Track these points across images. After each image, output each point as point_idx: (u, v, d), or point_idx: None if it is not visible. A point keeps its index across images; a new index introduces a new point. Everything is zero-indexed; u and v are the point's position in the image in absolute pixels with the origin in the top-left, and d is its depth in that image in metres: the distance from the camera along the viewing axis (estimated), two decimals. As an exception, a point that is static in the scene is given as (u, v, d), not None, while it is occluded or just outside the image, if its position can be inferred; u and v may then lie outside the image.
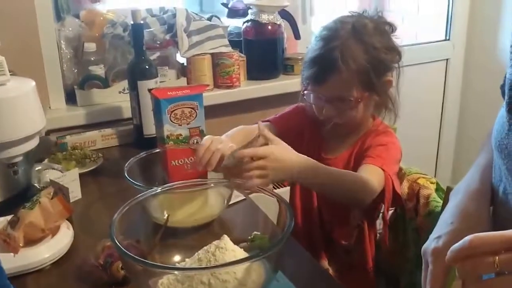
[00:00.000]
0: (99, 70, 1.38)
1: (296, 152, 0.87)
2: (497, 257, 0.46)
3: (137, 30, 1.22)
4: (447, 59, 2.06)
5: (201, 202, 0.89)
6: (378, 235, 1.10)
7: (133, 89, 1.23)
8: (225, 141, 0.90)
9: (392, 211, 1.09)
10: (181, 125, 1.03)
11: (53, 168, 1.06)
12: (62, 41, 1.35)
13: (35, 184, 1.02)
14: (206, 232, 0.83)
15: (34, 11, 1.27)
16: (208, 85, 1.44)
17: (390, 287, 1.10)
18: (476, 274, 0.47)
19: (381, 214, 1.05)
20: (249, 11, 1.54)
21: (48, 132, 1.26)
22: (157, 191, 0.81)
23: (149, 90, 1.12)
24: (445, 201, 0.91)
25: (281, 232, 0.68)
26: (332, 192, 0.92)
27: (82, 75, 1.38)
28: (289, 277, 0.74)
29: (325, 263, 1.07)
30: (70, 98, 1.38)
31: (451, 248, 0.48)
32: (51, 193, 0.85)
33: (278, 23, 1.53)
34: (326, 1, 1.90)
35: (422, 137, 2.08)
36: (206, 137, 0.90)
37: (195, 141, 1.05)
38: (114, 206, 0.73)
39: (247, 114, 1.56)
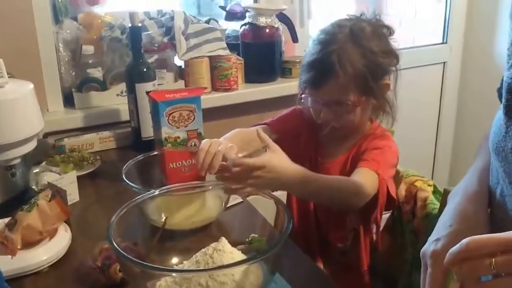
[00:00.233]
0: (97, 72, 1.38)
1: (291, 162, 0.87)
2: (493, 259, 0.46)
3: (135, 32, 1.22)
4: (444, 62, 2.07)
5: (199, 205, 0.89)
6: (374, 237, 1.10)
7: (131, 91, 1.23)
8: (224, 143, 0.90)
9: (389, 214, 1.09)
10: (179, 127, 1.04)
11: (51, 171, 1.06)
12: (60, 44, 1.35)
13: (33, 187, 1.02)
14: (204, 234, 0.83)
15: (32, 13, 1.27)
16: (206, 88, 1.44)
17: (387, 289, 1.10)
18: (474, 276, 0.47)
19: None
20: (247, 14, 1.55)
21: (46, 135, 1.26)
22: (155, 193, 0.81)
23: (147, 93, 1.12)
24: (443, 204, 0.91)
25: (279, 234, 0.68)
26: (324, 199, 0.93)
27: (80, 77, 1.38)
28: (286, 279, 0.74)
29: (320, 266, 1.07)
30: (68, 101, 1.38)
31: (449, 251, 0.49)
32: (49, 196, 0.85)
33: (276, 26, 1.53)
34: (324, 5, 1.91)
35: (420, 140, 2.08)
36: (204, 140, 0.89)
37: (193, 143, 1.05)
38: (112, 209, 0.73)
39: (245, 117, 1.56)
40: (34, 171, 1.05)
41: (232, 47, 1.53)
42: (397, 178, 1.06)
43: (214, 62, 1.47)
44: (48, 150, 1.22)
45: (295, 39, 1.65)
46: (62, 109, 1.37)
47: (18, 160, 0.92)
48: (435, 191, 1.02)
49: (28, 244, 0.79)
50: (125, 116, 1.33)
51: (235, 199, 0.94)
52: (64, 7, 1.38)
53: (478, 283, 0.47)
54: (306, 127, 1.07)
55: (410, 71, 1.89)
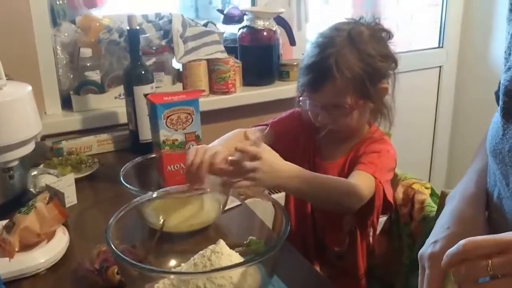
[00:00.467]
0: (95, 75, 1.38)
1: (285, 161, 0.87)
2: (490, 261, 0.46)
3: (133, 35, 1.22)
4: (440, 66, 2.08)
5: (197, 207, 0.89)
6: (371, 241, 1.10)
7: (129, 94, 1.23)
8: (209, 149, 0.86)
9: (386, 216, 1.10)
10: (177, 130, 1.04)
11: (49, 173, 1.06)
12: (58, 47, 1.35)
13: (31, 189, 1.01)
14: (202, 237, 0.83)
15: (30, 16, 1.27)
16: (204, 91, 1.44)
17: (385, 292, 1.11)
18: (471, 277, 0.48)
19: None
20: (245, 17, 1.55)
21: (44, 137, 1.25)
22: (153, 196, 0.81)
23: (145, 96, 1.12)
24: (440, 206, 0.92)
25: (277, 237, 0.68)
26: (320, 198, 0.92)
27: (78, 80, 1.38)
28: (284, 281, 0.74)
29: (317, 269, 1.07)
30: (66, 104, 1.38)
31: (446, 253, 0.49)
32: (47, 198, 0.85)
33: (274, 29, 1.54)
34: (321, 8, 1.92)
35: (417, 143, 2.09)
36: (190, 150, 0.86)
37: (191, 146, 1.05)
38: (109, 211, 0.73)
39: (243, 119, 1.57)
40: (32, 173, 1.05)
41: (230, 50, 1.54)
42: (395, 180, 1.06)
43: (212, 65, 1.47)
44: (46, 152, 1.22)
45: (292, 42, 1.65)
46: (60, 111, 1.37)
47: (16, 163, 0.92)
48: (433, 194, 1.03)
49: (26, 246, 0.78)
50: (123, 118, 1.33)
51: (233, 202, 0.94)
52: (62, 10, 1.38)
53: (476, 285, 0.48)
54: (305, 129, 1.07)
55: (407, 75, 1.89)
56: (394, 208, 1.07)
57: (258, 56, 1.56)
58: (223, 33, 1.57)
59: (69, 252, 0.82)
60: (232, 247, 0.72)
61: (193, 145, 1.05)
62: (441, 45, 2.07)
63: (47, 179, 1.02)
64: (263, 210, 0.87)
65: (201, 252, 0.70)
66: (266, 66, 1.58)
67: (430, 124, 2.16)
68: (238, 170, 0.82)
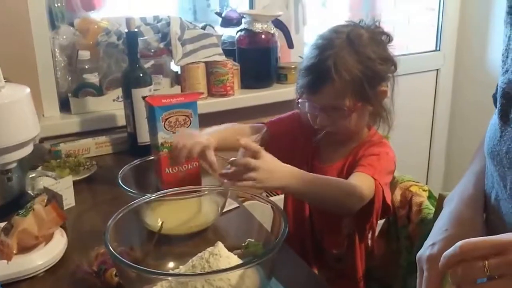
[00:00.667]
0: (93, 78, 1.38)
1: (282, 163, 0.87)
2: (487, 262, 0.47)
3: (131, 38, 1.22)
4: (437, 69, 2.09)
5: (195, 210, 0.89)
6: (369, 243, 1.10)
7: (127, 97, 1.23)
8: (195, 136, 0.92)
9: (385, 219, 1.10)
10: (175, 132, 1.04)
11: (47, 176, 1.06)
12: (56, 49, 1.35)
13: (29, 191, 1.01)
14: (200, 239, 0.84)
15: (28, 19, 1.27)
16: (202, 93, 1.44)
17: (383, 294, 1.11)
18: (469, 278, 0.48)
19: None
20: (243, 20, 1.56)
21: (42, 140, 1.25)
22: (151, 198, 0.81)
23: (143, 98, 1.12)
24: (437, 209, 0.92)
25: (275, 239, 0.68)
26: (320, 199, 0.92)
27: (76, 83, 1.38)
28: (283, 284, 0.74)
29: (315, 272, 1.07)
30: (64, 106, 1.38)
31: (443, 255, 0.49)
32: (45, 200, 0.85)
33: (272, 32, 1.54)
34: (319, 12, 1.93)
35: (414, 145, 2.10)
36: (179, 132, 0.93)
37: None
38: (108, 214, 0.73)
39: (241, 122, 1.57)
40: (30, 175, 1.05)
41: (228, 53, 1.54)
42: (393, 183, 1.07)
43: (210, 67, 1.48)
44: (44, 155, 1.22)
45: (290, 45, 1.66)
46: (58, 114, 1.37)
47: (14, 165, 0.92)
48: (430, 196, 1.03)
49: (24, 248, 0.78)
50: (121, 121, 1.33)
51: (231, 204, 0.94)
52: (60, 13, 1.38)
53: (473, 286, 0.48)
54: (304, 132, 1.07)
55: (404, 78, 1.90)
56: (392, 211, 1.08)
57: (256, 59, 1.56)
58: (221, 35, 1.57)
59: (67, 254, 0.82)
60: (230, 249, 0.72)
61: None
62: (438, 48, 2.08)
63: (45, 182, 1.02)
64: (262, 212, 0.87)
65: (199, 254, 0.70)
66: (264, 69, 1.58)
67: (428, 127, 2.17)
68: (238, 169, 0.82)
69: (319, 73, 0.94)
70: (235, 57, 1.57)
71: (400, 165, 1.08)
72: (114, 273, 0.71)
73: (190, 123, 1.04)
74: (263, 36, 1.53)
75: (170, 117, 1.02)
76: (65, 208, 0.96)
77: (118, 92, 1.36)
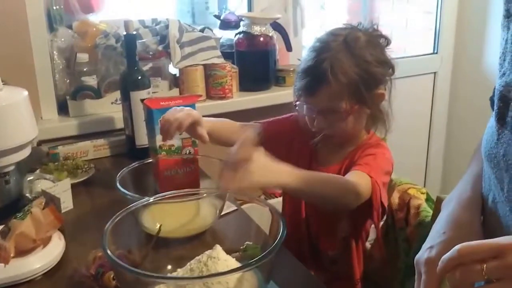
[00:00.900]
0: (91, 80, 1.38)
1: (278, 162, 0.85)
2: (484, 265, 0.47)
3: (129, 40, 1.22)
4: (435, 72, 2.10)
5: (193, 212, 0.89)
6: (368, 246, 1.10)
7: (126, 99, 1.23)
8: (185, 110, 0.95)
9: (383, 221, 1.10)
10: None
11: (45, 178, 1.06)
12: (54, 52, 1.35)
13: (27, 194, 1.01)
14: (198, 242, 0.83)
15: (26, 21, 1.27)
16: (200, 96, 1.45)
17: (381, 297, 1.11)
18: (467, 282, 0.48)
19: (372, 223, 1.06)
20: (241, 23, 1.56)
21: (40, 143, 1.25)
22: (149, 201, 0.81)
23: (142, 101, 1.12)
24: (435, 211, 0.92)
25: (273, 242, 0.68)
26: (319, 196, 0.90)
27: (74, 85, 1.38)
28: (281, 286, 0.74)
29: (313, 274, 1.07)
30: (62, 109, 1.38)
31: (441, 259, 0.49)
32: (43, 203, 0.84)
33: (270, 35, 1.55)
34: (317, 14, 1.93)
35: (412, 148, 2.10)
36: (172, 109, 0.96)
37: (188, 151, 1.05)
38: (106, 217, 0.72)
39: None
40: (28, 178, 1.05)
41: (226, 55, 1.55)
42: (390, 186, 1.07)
43: (209, 70, 1.48)
44: (42, 157, 1.21)
45: (289, 47, 1.66)
46: (56, 117, 1.37)
47: (12, 168, 0.92)
48: (428, 199, 1.03)
49: (22, 252, 0.78)
50: (119, 124, 1.33)
51: (229, 207, 0.94)
52: (59, 15, 1.38)
53: None
54: (300, 134, 1.07)
55: (402, 81, 1.90)
56: (390, 213, 1.08)
57: (254, 62, 1.56)
58: (220, 38, 1.57)
59: (65, 257, 0.82)
60: (228, 252, 0.72)
61: (189, 151, 1.05)
62: (435, 51, 2.09)
63: (43, 184, 1.01)
64: (260, 215, 0.87)
65: (197, 257, 0.70)
66: (263, 72, 1.58)
67: (425, 129, 2.17)
68: (233, 167, 0.79)
69: (316, 76, 0.94)
70: (233, 60, 1.58)
71: (398, 168, 1.08)
72: (112, 276, 0.71)
73: (188, 126, 1.04)
74: (261, 39, 1.53)
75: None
76: (63, 211, 0.95)
77: (117, 94, 1.36)
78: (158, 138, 1.03)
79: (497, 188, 0.64)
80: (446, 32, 2.05)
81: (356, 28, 0.99)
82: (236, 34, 1.57)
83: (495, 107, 0.64)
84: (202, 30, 1.54)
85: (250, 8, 1.70)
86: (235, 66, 1.56)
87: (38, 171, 1.12)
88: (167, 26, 1.44)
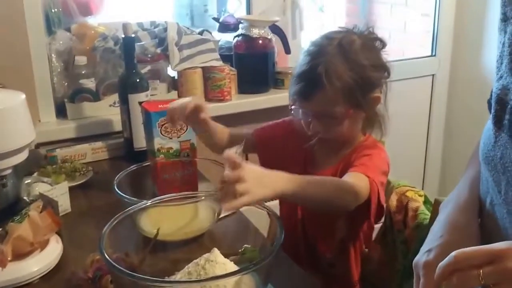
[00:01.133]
0: (89, 83, 1.38)
1: (270, 170, 0.83)
2: (481, 271, 0.47)
3: (128, 43, 1.22)
4: (433, 75, 2.10)
5: (191, 216, 0.89)
6: (364, 248, 1.10)
7: (124, 102, 1.23)
8: (189, 98, 0.99)
9: (381, 224, 1.10)
10: (171, 138, 1.04)
11: (43, 181, 1.05)
12: (52, 54, 1.35)
13: (25, 198, 1.01)
14: (196, 245, 0.83)
15: (25, 24, 1.27)
16: (199, 99, 1.44)
17: (379, 299, 1.11)
18: (463, 287, 0.48)
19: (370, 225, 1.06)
20: (240, 25, 1.56)
21: (38, 145, 1.25)
22: (147, 204, 0.81)
23: (140, 103, 1.12)
24: (433, 214, 0.92)
25: (271, 245, 0.68)
26: (317, 200, 0.89)
27: (72, 88, 1.38)
28: (279, 290, 0.74)
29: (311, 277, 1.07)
30: (61, 111, 1.38)
31: (438, 265, 0.50)
32: (40, 207, 0.84)
33: (269, 37, 1.55)
34: (316, 17, 1.93)
35: (410, 151, 2.10)
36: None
37: (186, 154, 1.05)
38: (103, 220, 0.73)
39: (238, 127, 1.57)
40: (26, 181, 1.05)
41: (225, 58, 1.55)
42: (388, 188, 1.07)
43: (207, 73, 1.48)
44: (40, 160, 1.21)
45: (287, 50, 1.66)
46: (54, 119, 1.36)
47: (10, 171, 0.92)
48: (426, 201, 1.03)
49: (19, 255, 0.78)
50: (117, 126, 1.33)
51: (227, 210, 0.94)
52: (57, 18, 1.38)
53: None
54: (294, 138, 1.07)
55: (400, 83, 1.91)
56: (388, 215, 1.08)
57: (253, 64, 1.57)
58: (219, 41, 1.57)
59: (63, 261, 0.82)
60: (226, 255, 0.72)
61: (187, 154, 1.05)
62: (433, 54, 2.09)
63: (40, 188, 1.01)
64: (258, 218, 0.87)
65: (195, 260, 0.70)
66: (261, 74, 1.58)
67: (423, 132, 2.17)
68: (228, 187, 0.76)
69: (310, 80, 0.94)
70: (232, 63, 1.58)
71: (396, 170, 1.08)
72: (109, 279, 0.71)
73: (187, 128, 1.05)
74: (260, 42, 1.53)
75: (166, 122, 1.02)
76: (60, 214, 0.95)
77: (115, 97, 1.36)
78: (156, 141, 1.03)
79: (495, 190, 0.64)
80: (444, 34, 2.05)
81: (351, 32, 0.98)
82: (235, 37, 1.57)
83: (492, 110, 0.64)
84: (200, 33, 1.55)
85: (248, 11, 1.70)
86: (233, 69, 1.56)
87: (36, 174, 1.12)
88: (165, 29, 1.44)
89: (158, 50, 1.44)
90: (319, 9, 2.09)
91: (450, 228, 0.66)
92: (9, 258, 0.76)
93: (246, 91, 1.57)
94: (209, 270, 0.67)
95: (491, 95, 0.67)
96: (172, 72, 1.49)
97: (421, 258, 0.61)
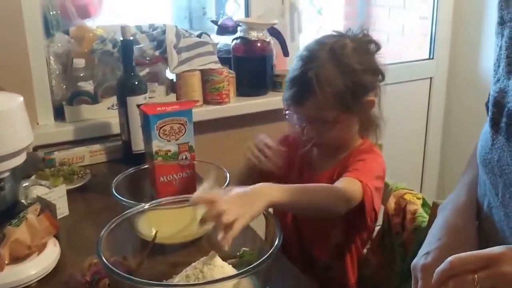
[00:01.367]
0: (88, 86, 1.38)
1: (258, 184, 0.81)
2: (476, 275, 0.47)
3: (126, 46, 1.22)
4: (431, 77, 2.11)
5: (189, 219, 0.89)
6: (364, 251, 1.10)
7: (122, 105, 1.23)
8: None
9: (379, 227, 1.10)
10: (170, 141, 1.04)
11: (41, 184, 1.05)
12: (51, 57, 1.35)
13: (22, 201, 1.00)
14: (194, 248, 0.83)
15: (23, 27, 1.27)
16: (197, 101, 1.45)
17: (377, 302, 1.11)
18: None
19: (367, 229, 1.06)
20: (239, 28, 1.56)
21: (36, 148, 1.25)
22: (145, 207, 0.81)
23: (138, 106, 1.12)
24: (431, 216, 0.92)
25: (270, 248, 0.68)
26: (307, 207, 0.89)
27: (71, 91, 1.38)
28: (277, 293, 0.74)
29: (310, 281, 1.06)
30: (59, 114, 1.38)
31: (435, 271, 0.50)
32: (38, 210, 0.84)
33: (267, 40, 1.55)
34: (314, 20, 1.94)
35: (408, 153, 2.11)
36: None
37: (184, 157, 1.05)
38: (101, 223, 0.72)
39: (237, 130, 1.57)
40: (24, 184, 1.04)
41: (223, 60, 1.55)
42: (386, 191, 1.07)
43: (206, 75, 1.48)
44: (38, 163, 1.21)
45: (286, 53, 1.67)
46: (52, 122, 1.36)
47: (7, 174, 0.92)
48: (424, 204, 1.03)
49: (16, 259, 0.78)
50: (116, 129, 1.33)
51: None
52: (55, 21, 1.38)
53: None
54: (292, 143, 1.07)
55: (398, 86, 1.92)
56: (386, 218, 1.08)
57: (251, 67, 1.57)
58: (217, 43, 1.58)
59: (60, 264, 0.81)
60: (224, 258, 0.72)
61: (186, 156, 1.05)
62: (431, 57, 2.10)
63: (38, 191, 1.01)
64: (256, 221, 0.87)
65: (193, 264, 0.70)
66: (260, 77, 1.59)
67: (421, 135, 2.18)
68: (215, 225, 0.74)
69: (302, 86, 0.94)
70: (230, 65, 1.58)
71: (394, 173, 1.08)
72: (107, 283, 0.71)
73: (185, 131, 1.04)
74: (258, 44, 1.54)
75: (164, 125, 1.02)
76: (58, 218, 0.95)
77: (113, 100, 1.35)
78: (155, 144, 1.03)
79: (492, 193, 0.65)
80: (442, 37, 2.06)
81: (345, 36, 0.98)
82: (233, 40, 1.57)
83: (489, 113, 0.64)
84: (199, 36, 1.55)
85: (247, 14, 1.70)
86: (232, 71, 1.56)
87: (33, 177, 1.12)
88: (164, 32, 1.44)
89: (157, 53, 1.44)
90: (317, 12, 2.09)
91: (448, 230, 0.66)
92: (6, 262, 0.76)
93: (244, 93, 1.58)
94: (207, 273, 0.67)
95: (489, 98, 0.68)
96: (170, 75, 1.49)
97: (419, 261, 0.61)
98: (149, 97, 1.29)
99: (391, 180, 1.09)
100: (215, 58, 1.50)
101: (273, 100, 1.56)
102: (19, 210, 0.90)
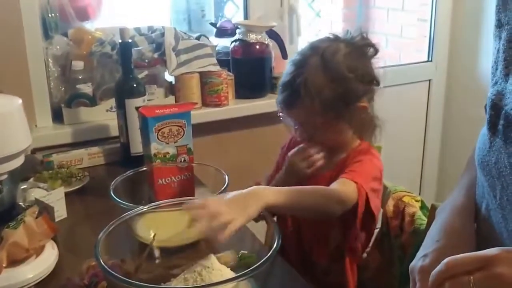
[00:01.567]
0: (86, 88, 1.38)
1: (250, 188, 0.81)
2: (472, 277, 0.48)
3: (125, 48, 1.22)
4: (429, 80, 2.11)
5: (187, 221, 0.89)
6: (364, 254, 1.10)
7: (121, 107, 1.23)
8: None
9: (378, 229, 1.10)
10: (168, 143, 1.04)
11: (39, 187, 1.05)
12: (49, 59, 1.35)
13: (20, 203, 1.00)
14: (192, 251, 0.83)
15: (22, 29, 1.27)
16: (196, 103, 1.44)
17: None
18: None
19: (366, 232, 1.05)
20: (237, 30, 1.57)
21: (34, 151, 1.25)
22: (143, 210, 0.81)
23: (137, 108, 1.12)
24: (430, 219, 0.92)
25: (269, 251, 0.68)
26: (301, 208, 0.89)
27: (69, 93, 1.38)
28: (276, 296, 0.74)
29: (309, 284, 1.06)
30: (57, 116, 1.37)
31: (431, 273, 0.50)
32: (36, 212, 0.84)
33: (266, 42, 1.55)
34: (313, 22, 1.94)
35: (407, 156, 2.11)
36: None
37: (183, 159, 1.05)
38: (99, 225, 0.72)
39: (235, 132, 1.57)
40: (22, 187, 1.04)
41: (222, 63, 1.55)
42: (385, 193, 1.07)
43: (205, 77, 1.48)
44: (36, 166, 1.21)
45: (284, 55, 1.67)
46: (50, 124, 1.36)
47: (5, 176, 0.92)
48: (423, 207, 1.04)
49: (14, 261, 0.77)
50: (114, 131, 1.33)
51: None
52: (54, 23, 1.38)
53: None
54: (291, 143, 1.07)
55: (397, 89, 1.93)
56: (385, 221, 1.08)
57: (250, 69, 1.57)
58: (216, 46, 1.58)
59: (58, 267, 0.81)
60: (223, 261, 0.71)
61: (184, 159, 1.05)
62: (430, 59, 2.10)
63: (36, 193, 1.01)
64: (255, 224, 0.87)
65: (191, 267, 0.70)
66: (259, 79, 1.59)
67: (420, 137, 2.18)
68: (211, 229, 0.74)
69: (291, 91, 0.95)
70: (229, 67, 1.58)
71: (393, 176, 1.08)
72: (105, 286, 0.71)
73: (184, 133, 1.04)
74: (257, 47, 1.54)
75: (163, 127, 1.02)
76: (56, 220, 0.95)
77: (112, 102, 1.35)
78: (153, 146, 1.03)
79: (490, 195, 0.65)
80: (441, 40, 2.06)
81: (339, 40, 0.97)
82: (232, 42, 1.57)
83: (487, 116, 0.65)
84: (198, 38, 1.55)
85: (246, 16, 1.70)
86: (231, 74, 1.56)
87: (32, 179, 1.12)
88: (162, 34, 1.44)
89: (155, 55, 1.44)
90: (316, 15, 2.10)
91: (446, 232, 0.66)
92: (4, 265, 0.76)
93: (243, 96, 1.58)
94: (205, 276, 0.67)
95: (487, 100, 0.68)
96: (169, 77, 1.49)
97: (417, 263, 0.61)
98: (148, 100, 1.29)
99: (390, 183, 1.09)
100: (213, 60, 1.50)
101: (272, 103, 1.54)
102: (17, 212, 0.90)
